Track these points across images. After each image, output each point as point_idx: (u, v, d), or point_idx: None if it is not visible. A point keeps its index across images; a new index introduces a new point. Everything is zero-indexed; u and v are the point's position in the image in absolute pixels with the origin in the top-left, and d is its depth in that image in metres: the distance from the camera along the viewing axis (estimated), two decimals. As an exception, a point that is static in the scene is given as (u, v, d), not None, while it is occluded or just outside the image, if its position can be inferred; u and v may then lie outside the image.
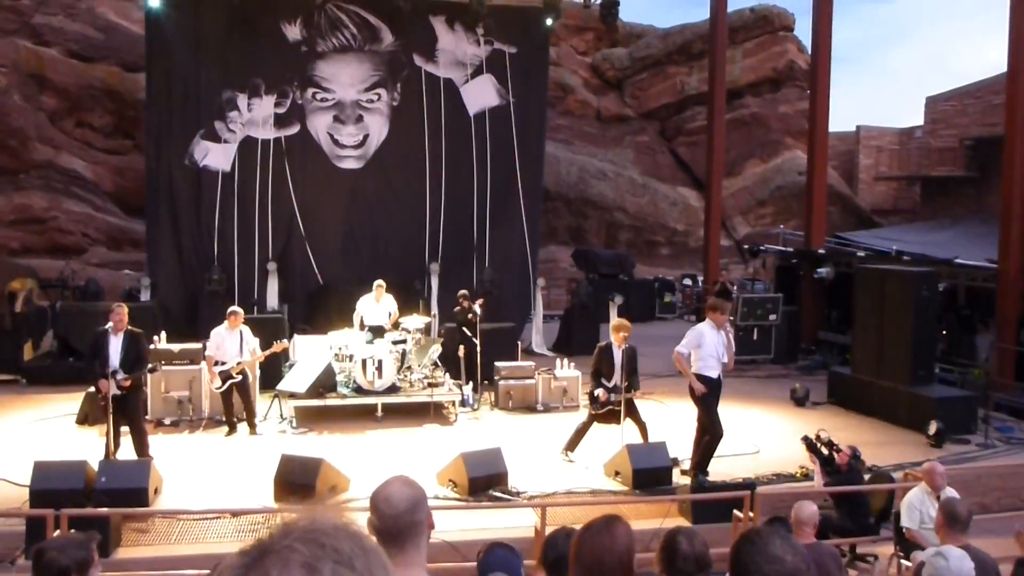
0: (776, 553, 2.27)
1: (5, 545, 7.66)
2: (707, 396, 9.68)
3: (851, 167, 30.14)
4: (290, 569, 1.05)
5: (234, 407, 11.30)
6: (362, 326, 13.19)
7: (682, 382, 10.25)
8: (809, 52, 23.71)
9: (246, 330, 11.30)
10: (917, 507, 7.23)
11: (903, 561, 7.48)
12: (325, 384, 12.21)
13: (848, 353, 15.23)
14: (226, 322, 11.20)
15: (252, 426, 11.40)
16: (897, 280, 13.24)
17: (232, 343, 11.13)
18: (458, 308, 13.56)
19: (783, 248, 21.22)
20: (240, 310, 11.52)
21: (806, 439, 8.98)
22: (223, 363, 11.07)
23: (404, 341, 12.70)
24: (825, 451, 8.75)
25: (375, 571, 1.11)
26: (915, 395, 12.44)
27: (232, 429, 11.31)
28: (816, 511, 5.77)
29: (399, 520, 2.29)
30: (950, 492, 7.04)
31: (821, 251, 18.64)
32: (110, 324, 9.44)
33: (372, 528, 2.35)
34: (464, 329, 13.28)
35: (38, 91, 23.19)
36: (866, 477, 8.99)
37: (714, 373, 9.69)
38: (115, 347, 9.36)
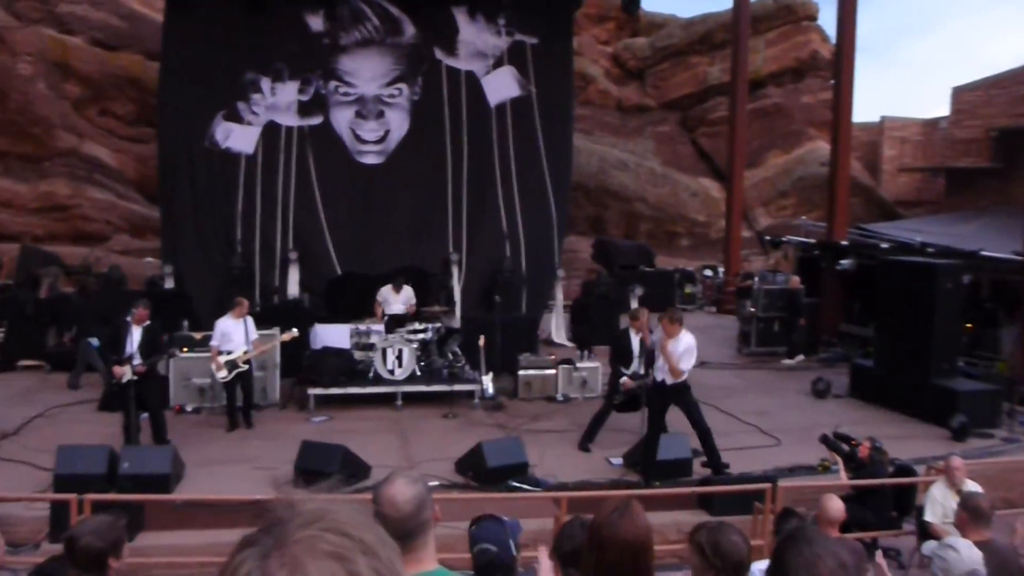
0: (830, 564, 2.15)
1: (29, 529, 7.74)
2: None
3: (874, 158, 29.87)
4: (319, 559, 1.04)
5: (236, 399, 11.21)
6: (382, 316, 13.26)
7: (697, 374, 10.25)
8: (833, 42, 23.50)
9: (250, 320, 11.25)
10: (939, 501, 7.18)
11: (926, 555, 7.42)
12: (346, 372, 12.26)
13: (870, 346, 15.11)
14: (231, 312, 11.16)
15: (248, 418, 11.26)
16: (920, 272, 13.12)
17: (238, 332, 11.06)
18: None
19: (805, 239, 21.06)
20: (245, 300, 11.43)
21: (824, 438, 8.90)
22: (229, 352, 11.00)
23: (425, 330, 12.75)
24: (845, 447, 8.67)
25: (395, 562, 1.11)
26: (938, 388, 12.33)
27: (233, 424, 11.15)
28: (843, 507, 5.68)
29: (406, 523, 2.26)
30: (972, 486, 6.98)
31: (844, 243, 18.48)
32: (131, 316, 9.78)
33: None
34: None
35: (62, 79, 23.35)
36: (890, 470, 8.90)
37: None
38: (134, 336, 9.71)
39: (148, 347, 9.77)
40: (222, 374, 10.98)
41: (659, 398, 9.50)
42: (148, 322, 9.87)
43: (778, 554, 2.24)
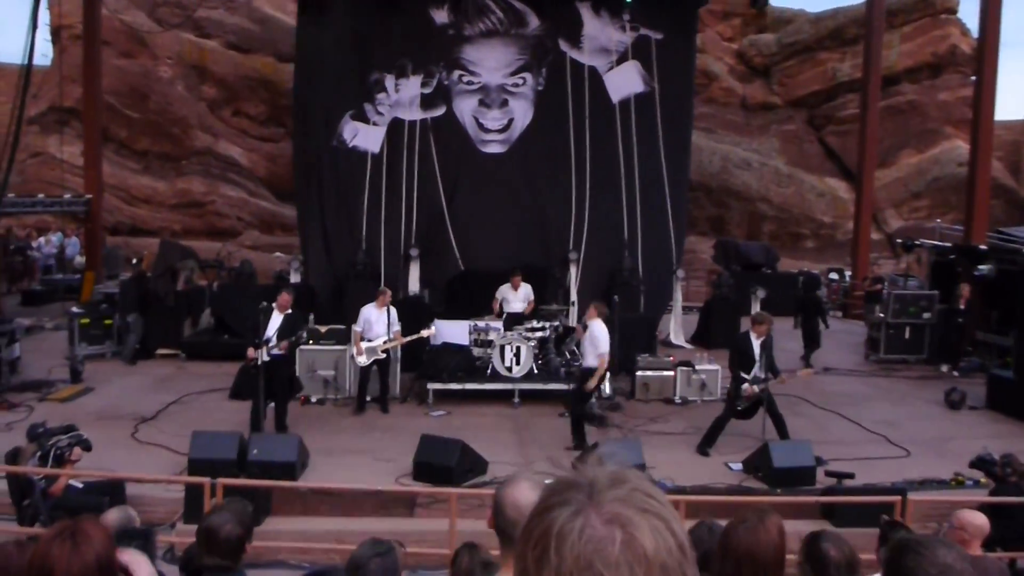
0: (946, 561, 2.12)
1: (167, 509, 8.14)
2: None
3: (1017, 158, 28.32)
4: (643, 515, 1.05)
5: (367, 387, 11.64)
6: (501, 312, 13.37)
7: (821, 380, 9.88)
8: (974, 35, 22.39)
9: (393, 311, 11.69)
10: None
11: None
12: (464, 368, 12.40)
13: (1009, 356, 14.32)
14: (375, 301, 11.62)
15: (385, 403, 11.75)
16: (1069, 279, 12.34)
17: (380, 322, 11.52)
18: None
19: (940, 243, 20.11)
20: (388, 290, 12.04)
21: (978, 463, 8.50)
22: (370, 340, 11.45)
23: (543, 328, 12.79)
24: (996, 469, 8.24)
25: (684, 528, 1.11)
26: (1086, 403, 11.58)
27: (361, 409, 11.62)
28: (987, 523, 5.30)
29: None
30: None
31: (982, 247, 17.55)
32: (275, 303, 10.35)
33: (496, 527, 2.31)
34: None
35: (199, 82, 24.47)
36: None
37: None
38: (275, 321, 10.25)
39: (287, 333, 10.23)
40: (361, 359, 11.47)
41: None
42: (290, 310, 10.36)
43: (895, 561, 2.19)
